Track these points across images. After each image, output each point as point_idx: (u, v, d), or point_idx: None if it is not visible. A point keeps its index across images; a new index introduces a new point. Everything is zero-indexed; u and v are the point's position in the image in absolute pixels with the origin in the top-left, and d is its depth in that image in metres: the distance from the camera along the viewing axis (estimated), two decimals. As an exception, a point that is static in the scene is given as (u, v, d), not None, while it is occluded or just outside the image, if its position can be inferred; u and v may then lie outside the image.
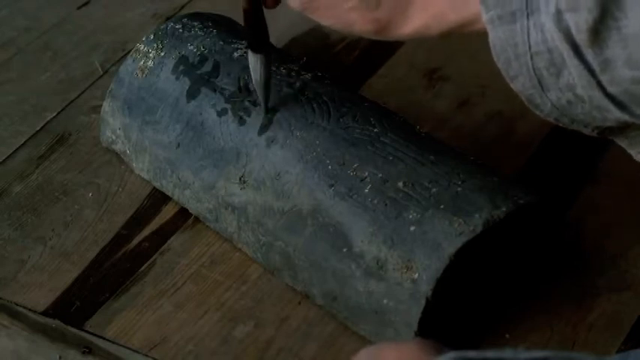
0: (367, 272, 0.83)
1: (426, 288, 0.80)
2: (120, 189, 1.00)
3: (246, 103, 0.93)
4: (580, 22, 0.66)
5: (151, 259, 0.94)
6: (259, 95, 0.91)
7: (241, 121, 0.92)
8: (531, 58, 0.69)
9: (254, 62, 0.90)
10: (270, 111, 0.92)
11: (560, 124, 0.73)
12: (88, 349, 0.87)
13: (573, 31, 0.67)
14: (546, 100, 0.71)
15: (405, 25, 0.75)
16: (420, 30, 0.75)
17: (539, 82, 0.70)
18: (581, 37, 0.67)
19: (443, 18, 0.74)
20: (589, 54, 0.67)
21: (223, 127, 0.92)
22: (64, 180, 1.01)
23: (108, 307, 0.90)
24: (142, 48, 1.00)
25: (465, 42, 1.12)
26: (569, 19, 0.66)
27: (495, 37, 0.70)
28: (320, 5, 0.78)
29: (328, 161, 0.87)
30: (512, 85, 0.72)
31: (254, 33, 0.89)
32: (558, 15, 0.67)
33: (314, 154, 0.88)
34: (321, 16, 0.79)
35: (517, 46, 0.70)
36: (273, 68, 0.95)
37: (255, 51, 0.90)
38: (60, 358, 0.87)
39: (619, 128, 0.71)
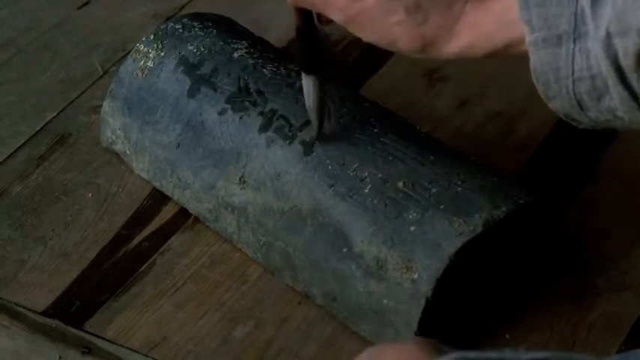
0: (367, 272, 0.83)
1: (426, 288, 0.80)
2: (120, 189, 1.00)
3: (246, 103, 0.93)
4: (628, 46, 0.66)
5: (151, 259, 0.94)
6: (312, 119, 0.87)
7: (241, 121, 0.92)
8: (573, 82, 0.69)
9: (307, 84, 0.86)
10: (270, 111, 0.91)
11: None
12: (88, 349, 0.87)
13: (620, 55, 0.66)
14: (584, 117, 0.71)
15: (450, 44, 0.74)
16: (465, 49, 0.74)
17: (579, 104, 0.70)
18: (628, 62, 0.66)
19: (489, 38, 0.72)
20: (633, 78, 0.67)
21: (223, 127, 0.92)
22: (64, 180, 1.01)
23: (108, 307, 0.90)
24: (142, 48, 1.00)
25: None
26: (618, 43, 0.66)
27: (537, 59, 0.70)
28: (364, 19, 0.75)
29: (328, 161, 0.87)
30: (549, 104, 0.72)
31: (307, 52, 0.85)
32: (607, 40, 0.66)
33: (314, 154, 0.88)
34: (364, 31, 0.76)
35: (559, 69, 0.69)
36: (273, 68, 0.95)
37: (308, 72, 0.86)
38: (60, 358, 0.87)
39: None
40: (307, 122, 0.90)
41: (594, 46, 0.67)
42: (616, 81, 0.67)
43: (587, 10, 0.67)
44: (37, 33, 1.19)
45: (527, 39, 0.70)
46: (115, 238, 0.96)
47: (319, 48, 0.85)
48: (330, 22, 0.80)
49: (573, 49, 0.68)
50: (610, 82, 0.68)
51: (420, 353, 0.66)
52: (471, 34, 0.73)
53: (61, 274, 0.93)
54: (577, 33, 0.68)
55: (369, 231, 0.83)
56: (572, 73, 0.69)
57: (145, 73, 0.98)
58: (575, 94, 0.70)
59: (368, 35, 0.76)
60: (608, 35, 0.66)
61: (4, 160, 1.04)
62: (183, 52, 0.98)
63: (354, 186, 0.85)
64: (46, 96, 1.11)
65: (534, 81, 0.71)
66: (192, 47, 0.98)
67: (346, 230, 0.84)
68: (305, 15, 0.82)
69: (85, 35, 1.18)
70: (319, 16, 0.81)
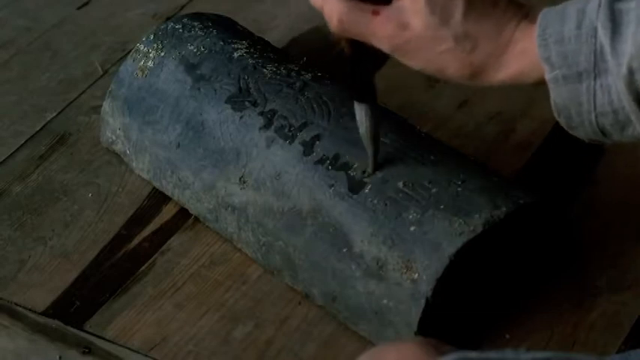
0: (367, 272, 0.83)
1: (426, 288, 0.80)
2: (120, 189, 1.00)
3: (246, 103, 0.93)
4: None
5: (151, 259, 0.94)
6: (367, 148, 0.84)
7: (241, 121, 0.92)
8: (596, 116, 0.70)
9: (359, 113, 0.84)
10: (270, 111, 0.92)
11: None
12: (88, 349, 0.87)
13: None
14: (608, 141, 0.72)
15: (500, 71, 0.73)
16: (514, 77, 0.72)
17: (602, 132, 0.71)
18: None
19: (539, 66, 0.71)
20: None
21: (223, 127, 0.92)
22: (64, 180, 1.01)
23: (108, 307, 0.90)
24: (142, 48, 1.00)
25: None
26: None
27: (558, 95, 0.70)
28: (411, 48, 0.74)
29: (328, 161, 0.87)
30: (571, 132, 0.72)
31: (358, 81, 0.83)
32: (629, 76, 0.67)
33: (314, 154, 0.88)
34: (411, 59, 0.75)
35: (581, 105, 0.69)
36: (273, 68, 0.95)
37: (359, 100, 0.84)
38: (60, 358, 0.87)
39: None
40: (307, 122, 0.90)
41: (616, 82, 0.68)
42: (639, 114, 0.68)
43: (607, 47, 0.67)
44: (37, 33, 1.19)
45: (547, 76, 0.70)
46: (115, 238, 0.96)
47: (370, 76, 0.83)
48: (376, 49, 0.77)
49: (594, 85, 0.68)
50: (633, 116, 0.68)
51: (420, 353, 0.66)
52: (520, 61, 0.72)
53: (61, 274, 0.93)
54: (597, 70, 0.68)
55: (369, 231, 0.83)
56: (595, 108, 0.69)
57: (145, 73, 0.98)
58: (598, 125, 0.70)
59: (416, 63, 0.75)
60: (630, 72, 0.66)
61: (4, 160, 1.04)
62: (183, 52, 0.98)
63: (354, 186, 0.85)
64: (46, 96, 1.11)
65: (555, 114, 0.71)
66: (192, 47, 0.98)
67: (346, 230, 0.84)
68: (355, 43, 0.79)
69: (85, 35, 1.18)
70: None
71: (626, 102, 0.68)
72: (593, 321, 0.86)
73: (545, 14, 0.71)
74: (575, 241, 0.91)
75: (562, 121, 0.72)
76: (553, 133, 1.02)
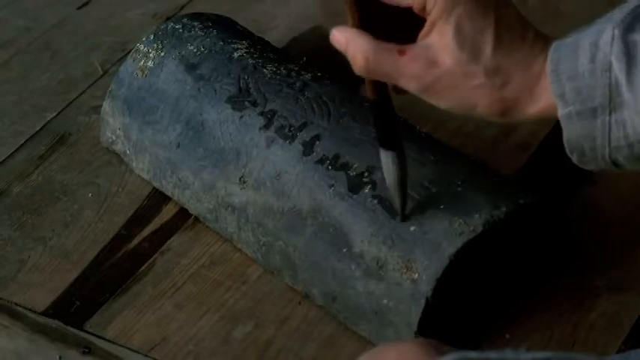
0: (367, 272, 0.83)
1: (426, 288, 0.80)
2: (120, 189, 1.00)
3: (246, 103, 0.93)
4: None
5: (151, 259, 0.94)
6: (394, 197, 0.82)
7: (241, 121, 0.92)
8: (610, 151, 0.69)
9: (386, 160, 0.81)
10: (270, 111, 0.92)
11: None
12: (88, 349, 0.87)
13: None
14: (618, 170, 0.71)
15: (531, 106, 0.71)
16: (545, 110, 0.70)
17: (615, 165, 0.70)
18: None
19: None
20: None
21: (223, 127, 0.92)
22: (64, 180, 1.01)
23: (108, 307, 0.90)
24: (142, 48, 1.00)
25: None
26: None
27: (572, 132, 0.69)
28: (441, 86, 0.71)
29: (328, 161, 0.87)
30: (582, 166, 0.72)
31: (383, 127, 0.81)
32: None
33: (314, 154, 0.88)
34: (441, 98, 0.72)
35: (595, 140, 0.69)
36: (273, 68, 0.95)
37: (386, 147, 0.81)
38: (60, 358, 0.87)
39: None
40: (307, 122, 0.90)
41: (632, 116, 0.67)
42: None
43: (623, 81, 0.66)
44: (37, 33, 1.19)
45: (560, 113, 0.69)
46: (115, 238, 0.96)
47: (396, 121, 0.81)
48: (404, 92, 0.75)
49: (609, 121, 0.68)
50: None
51: (421, 354, 0.66)
52: (550, 95, 0.70)
53: (61, 274, 0.93)
54: (612, 104, 0.67)
55: (368, 231, 0.83)
56: (609, 144, 0.68)
57: (145, 73, 0.98)
58: (611, 158, 0.69)
59: (445, 102, 0.72)
60: None
61: (4, 160, 1.04)
62: (183, 52, 0.98)
63: (354, 186, 0.85)
64: (46, 96, 1.11)
65: (567, 151, 0.70)
66: (192, 47, 0.98)
67: (346, 230, 0.84)
68: (379, 87, 0.78)
69: (85, 35, 1.18)
70: (394, 87, 0.78)
71: None
72: (593, 321, 0.86)
73: (557, 48, 0.69)
74: (575, 241, 0.91)
75: (574, 158, 0.71)
76: (552, 133, 1.02)
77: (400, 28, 0.74)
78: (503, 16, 0.71)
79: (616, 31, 0.67)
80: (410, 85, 0.72)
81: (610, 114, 0.67)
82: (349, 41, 0.73)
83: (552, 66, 0.69)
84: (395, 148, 0.81)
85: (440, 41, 0.71)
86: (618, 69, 0.66)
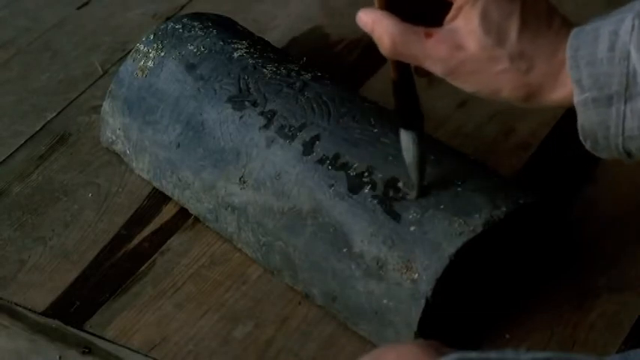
0: (367, 272, 0.83)
1: (426, 288, 0.80)
2: (120, 189, 1.00)
3: (246, 103, 0.93)
4: None
5: (151, 259, 0.94)
6: (412, 176, 0.83)
7: (241, 121, 0.92)
8: (623, 140, 0.69)
9: (406, 140, 0.82)
10: (270, 111, 0.92)
11: None
12: (88, 349, 0.87)
13: None
14: (631, 161, 0.71)
15: (554, 92, 0.71)
16: (568, 98, 0.71)
17: (627, 154, 0.70)
18: None
19: None
20: None
21: (223, 127, 0.92)
22: (64, 180, 1.01)
23: (108, 307, 0.90)
24: (142, 48, 1.00)
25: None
26: None
27: (586, 119, 0.69)
28: (466, 70, 0.72)
29: (328, 161, 0.87)
30: (595, 154, 0.72)
31: (405, 107, 0.81)
32: None
33: (314, 154, 0.88)
34: (466, 81, 0.73)
35: (609, 129, 0.69)
36: (273, 68, 0.95)
37: (406, 128, 0.81)
38: (60, 358, 0.87)
39: None
40: (306, 122, 0.90)
41: None
42: None
43: None
44: (37, 33, 1.19)
45: (576, 99, 0.69)
46: (115, 238, 0.96)
47: (417, 102, 0.81)
48: (428, 74, 0.76)
49: (624, 109, 0.68)
50: None
51: (421, 355, 0.66)
52: None
53: (61, 274, 0.93)
54: (628, 93, 0.67)
55: (368, 231, 0.83)
56: (623, 133, 0.69)
57: (145, 73, 0.98)
58: (624, 148, 0.70)
59: (470, 86, 0.73)
60: None
61: (4, 160, 1.04)
62: (183, 52, 0.98)
63: (354, 186, 0.85)
64: (46, 96, 1.11)
65: (581, 138, 0.71)
66: (192, 47, 0.98)
67: (346, 230, 0.84)
68: (402, 68, 0.78)
69: (85, 35, 1.18)
70: (416, 68, 0.78)
71: None
72: (593, 321, 0.86)
73: (577, 34, 0.69)
74: (576, 241, 0.91)
75: (587, 145, 0.71)
76: (553, 133, 1.02)
77: (426, 12, 0.74)
78: (529, 1, 0.71)
79: (636, 21, 0.67)
80: (435, 68, 0.73)
81: (625, 103, 0.68)
82: (375, 23, 0.74)
83: (571, 52, 0.69)
84: (415, 128, 0.81)
85: (466, 26, 0.71)
86: (636, 59, 0.67)
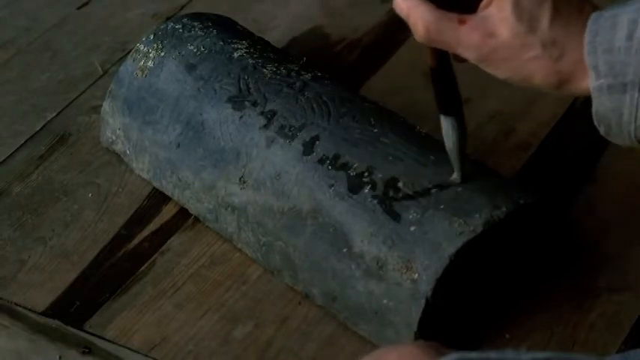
0: (367, 272, 0.83)
1: (426, 288, 0.80)
2: (120, 189, 1.00)
3: (246, 103, 0.93)
4: None
5: (151, 259, 0.94)
6: (453, 162, 0.84)
7: (241, 121, 0.92)
8: (636, 128, 0.70)
9: (446, 126, 0.83)
10: (270, 111, 0.92)
11: None
12: (88, 349, 0.87)
13: None
14: None
15: (585, 80, 0.71)
16: None
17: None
18: None
19: None
20: None
21: (223, 127, 0.92)
22: (64, 180, 1.01)
23: (108, 307, 0.90)
24: (142, 48, 1.00)
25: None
26: None
27: (600, 104, 0.70)
28: (499, 56, 0.73)
29: (328, 161, 0.87)
30: (608, 139, 0.72)
31: (443, 93, 0.82)
32: None
33: (314, 154, 0.88)
34: (498, 68, 0.73)
35: (622, 115, 0.69)
36: (273, 68, 0.95)
37: (446, 114, 0.82)
38: (60, 358, 0.87)
39: None
40: (306, 122, 0.90)
41: None
42: None
43: None
44: (37, 33, 1.19)
45: (592, 84, 0.70)
46: (115, 238, 0.96)
47: (455, 88, 0.81)
48: (465, 61, 0.76)
49: (638, 98, 0.68)
50: None
51: (421, 355, 0.66)
52: None
53: (61, 274, 0.93)
54: None
55: (368, 231, 0.83)
56: (635, 120, 0.69)
57: (145, 73, 0.98)
58: (636, 136, 0.70)
59: (502, 72, 0.74)
60: None
61: (4, 160, 1.04)
62: (183, 52, 0.98)
63: (354, 186, 0.85)
64: (46, 96, 1.11)
65: (595, 123, 0.71)
66: (192, 47, 0.98)
67: (346, 230, 0.84)
68: (439, 55, 0.79)
69: (85, 35, 1.18)
70: (454, 55, 0.78)
71: None
72: (593, 321, 0.86)
73: (596, 20, 0.70)
74: (576, 241, 0.91)
75: (601, 130, 0.72)
76: (553, 133, 1.02)
77: None
78: None
79: None
80: (468, 54, 0.74)
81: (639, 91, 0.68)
82: (411, 9, 0.74)
83: (590, 37, 0.70)
84: (454, 114, 0.82)
85: (499, 13, 0.72)
86: None
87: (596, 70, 0.69)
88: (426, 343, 0.68)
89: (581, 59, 0.71)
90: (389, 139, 0.88)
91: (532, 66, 0.72)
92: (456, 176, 0.84)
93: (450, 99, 0.82)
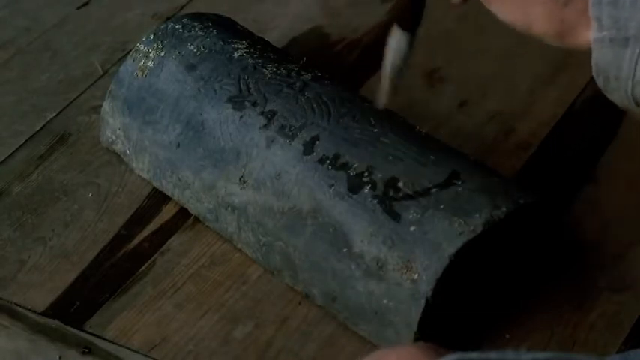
0: (367, 272, 0.83)
1: (426, 288, 0.80)
2: (120, 189, 1.00)
3: (246, 103, 0.93)
4: None
5: (151, 259, 0.94)
6: (386, 83, 0.82)
7: (241, 121, 0.92)
8: (633, 85, 0.69)
9: (399, 42, 0.81)
10: (270, 111, 0.92)
11: None
12: (88, 349, 0.87)
13: None
14: (638, 110, 0.71)
15: (586, 33, 0.71)
16: None
17: (636, 102, 0.70)
18: None
19: None
20: None
21: (223, 127, 0.92)
22: (64, 180, 1.01)
23: (108, 307, 0.90)
24: (142, 48, 1.00)
25: (465, 42, 1.12)
26: None
27: (600, 56, 0.70)
28: None
29: (328, 161, 0.87)
30: (607, 95, 0.72)
31: (410, 9, 0.80)
32: None
33: (314, 154, 0.88)
34: (502, 7, 0.73)
35: (621, 70, 0.69)
36: (273, 68, 0.95)
37: (405, 29, 0.80)
38: (60, 358, 0.87)
39: None
40: (306, 122, 0.90)
41: None
42: None
43: None
44: (37, 33, 1.19)
45: (594, 35, 0.69)
46: (115, 238, 0.96)
47: (423, 7, 0.80)
48: (465, 1, 0.77)
49: (638, 53, 0.68)
50: None
51: (421, 356, 0.66)
52: None
53: (61, 274, 0.93)
54: None
55: (368, 231, 0.83)
56: (633, 77, 0.69)
57: (145, 73, 0.98)
58: (633, 93, 0.70)
59: (506, 14, 0.73)
60: None
61: (4, 160, 1.04)
62: (183, 52, 0.98)
63: (354, 186, 0.85)
64: (46, 96, 1.11)
65: (594, 74, 0.71)
66: (192, 47, 0.98)
67: (346, 230, 0.84)
68: None
69: (85, 35, 1.18)
70: None
71: None
72: (593, 321, 0.86)
73: None
74: (576, 241, 0.91)
75: (599, 82, 0.71)
76: (553, 133, 1.02)
77: None
78: None
79: None
80: None
81: None
82: None
83: None
84: (413, 32, 0.81)
85: None
86: None
87: (599, 22, 0.69)
88: (425, 345, 0.68)
89: (586, 9, 0.70)
90: (389, 139, 0.88)
91: (537, 10, 0.72)
92: (382, 99, 0.83)
93: (414, 16, 0.81)
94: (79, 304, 0.91)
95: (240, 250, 0.93)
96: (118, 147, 1.00)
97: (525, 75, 1.08)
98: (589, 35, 0.71)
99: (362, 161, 0.87)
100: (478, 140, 1.01)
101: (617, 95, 0.71)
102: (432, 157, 0.86)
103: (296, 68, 0.96)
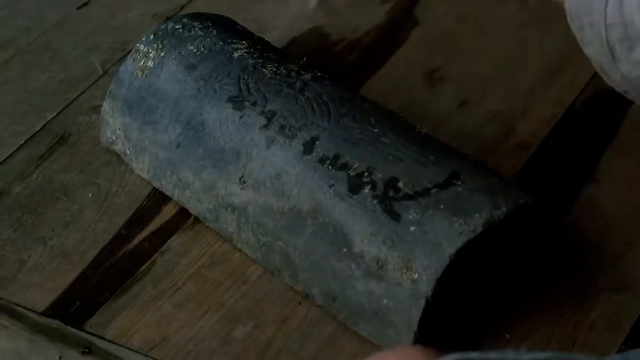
0: (367, 272, 0.83)
1: (426, 288, 0.80)
2: (120, 189, 1.00)
3: (246, 103, 0.93)
4: None
5: (151, 259, 0.94)
6: None
7: (241, 121, 0.92)
8: (606, 29, 0.69)
9: None
10: (270, 111, 0.92)
11: (628, 97, 0.72)
12: (88, 349, 0.87)
13: None
14: (616, 70, 0.71)
15: None
16: None
17: (611, 53, 0.70)
18: None
19: None
20: None
21: (223, 127, 0.92)
22: (64, 180, 1.01)
23: (108, 307, 0.90)
24: (142, 48, 1.00)
25: (465, 42, 1.12)
26: None
27: (572, 2, 0.70)
28: None
29: (328, 161, 0.87)
30: (584, 50, 0.72)
31: None
32: None
33: (314, 154, 0.88)
34: None
35: (592, 14, 0.69)
36: (273, 68, 0.95)
37: None
38: (60, 358, 0.87)
39: None
40: (306, 122, 0.90)
41: None
42: None
43: None
44: (37, 33, 1.19)
45: None
46: (115, 238, 0.96)
47: None
48: None
49: None
50: None
51: (421, 357, 0.66)
52: None
53: (61, 274, 0.93)
54: None
55: (368, 231, 0.83)
56: (605, 19, 0.69)
57: (145, 73, 0.98)
58: (607, 42, 0.69)
59: None
60: None
61: (4, 160, 1.04)
62: (183, 52, 0.98)
63: (354, 186, 0.85)
64: (46, 96, 1.11)
65: (570, 23, 0.71)
66: (192, 47, 0.98)
67: (346, 230, 0.84)
68: None
69: (85, 35, 1.18)
70: None
71: (637, 15, 0.67)
72: (593, 321, 0.86)
73: None
74: (576, 241, 0.91)
75: (575, 32, 0.71)
76: (553, 133, 1.02)
77: None
78: None
79: None
80: None
81: None
82: None
83: None
84: None
85: None
86: None
87: None
88: (425, 348, 0.68)
89: None
90: (389, 139, 0.88)
91: None
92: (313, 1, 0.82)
93: None
94: (79, 304, 0.91)
95: (240, 250, 0.93)
96: (118, 147, 1.00)
97: (525, 75, 1.08)
98: None
99: (362, 161, 0.87)
100: (478, 140, 1.01)
101: (594, 49, 0.71)
102: (432, 157, 0.86)
103: (296, 68, 0.96)
